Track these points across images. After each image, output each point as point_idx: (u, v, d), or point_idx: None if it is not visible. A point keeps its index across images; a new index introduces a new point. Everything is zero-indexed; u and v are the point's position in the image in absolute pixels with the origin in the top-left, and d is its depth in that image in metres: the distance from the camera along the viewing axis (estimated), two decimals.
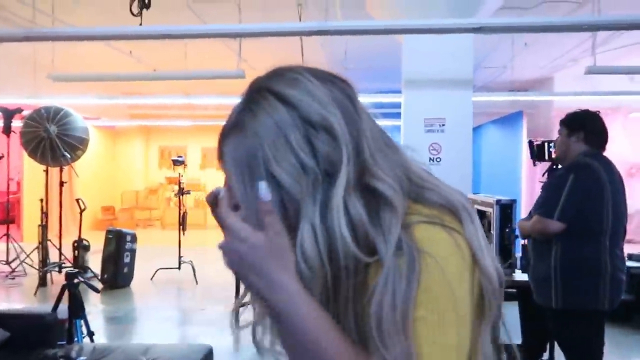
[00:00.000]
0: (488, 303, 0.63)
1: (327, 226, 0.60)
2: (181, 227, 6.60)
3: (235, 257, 0.61)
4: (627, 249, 2.48)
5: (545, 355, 2.99)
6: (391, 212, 0.61)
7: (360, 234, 0.61)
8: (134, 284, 5.86)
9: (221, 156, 0.66)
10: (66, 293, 2.96)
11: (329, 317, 0.62)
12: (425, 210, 0.63)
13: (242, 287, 0.69)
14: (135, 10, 3.65)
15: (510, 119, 8.71)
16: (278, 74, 0.66)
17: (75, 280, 3.11)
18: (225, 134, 0.66)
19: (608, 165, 2.31)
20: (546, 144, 2.83)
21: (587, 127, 2.36)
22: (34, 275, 6.01)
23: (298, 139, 0.61)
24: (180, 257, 6.31)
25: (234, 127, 0.65)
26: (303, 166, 0.61)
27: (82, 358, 2.41)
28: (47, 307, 3.01)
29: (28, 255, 6.45)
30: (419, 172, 0.67)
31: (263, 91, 0.65)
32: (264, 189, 0.61)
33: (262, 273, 0.60)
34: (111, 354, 2.55)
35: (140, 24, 3.69)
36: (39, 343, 2.64)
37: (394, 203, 0.62)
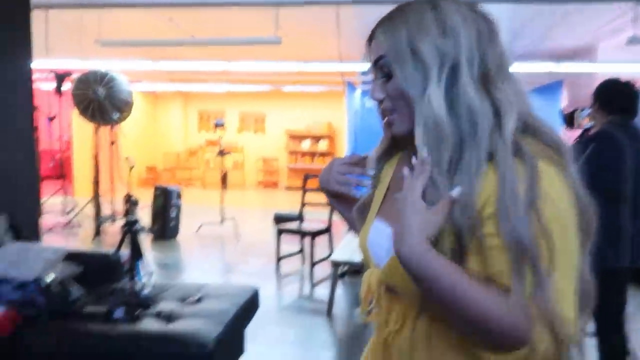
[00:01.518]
0: (584, 232, 0.71)
1: (450, 99, 0.73)
2: (222, 185, 6.98)
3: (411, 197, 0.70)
4: None
5: None
6: (508, 119, 0.71)
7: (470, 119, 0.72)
8: (179, 236, 6.27)
9: (373, 38, 0.82)
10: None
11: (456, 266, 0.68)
12: (537, 146, 0.72)
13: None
14: None
15: (549, 89, 8.58)
16: None
17: (136, 227, 3.48)
18: (380, 23, 0.81)
19: (634, 134, 2.33)
20: (576, 112, 2.94)
21: (600, 96, 2.40)
22: (88, 227, 6.52)
23: (435, 34, 0.75)
24: (222, 213, 6.70)
25: (387, 18, 0.81)
26: (439, 51, 0.74)
27: (145, 291, 2.75)
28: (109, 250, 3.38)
29: (82, 209, 6.95)
30: (536, 114, 0.77)
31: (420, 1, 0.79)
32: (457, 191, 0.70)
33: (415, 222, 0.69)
34: (169, 289, 2.88)
35: None
36: (106, 279, 2.99)
37: (512, 111, 0.72)
